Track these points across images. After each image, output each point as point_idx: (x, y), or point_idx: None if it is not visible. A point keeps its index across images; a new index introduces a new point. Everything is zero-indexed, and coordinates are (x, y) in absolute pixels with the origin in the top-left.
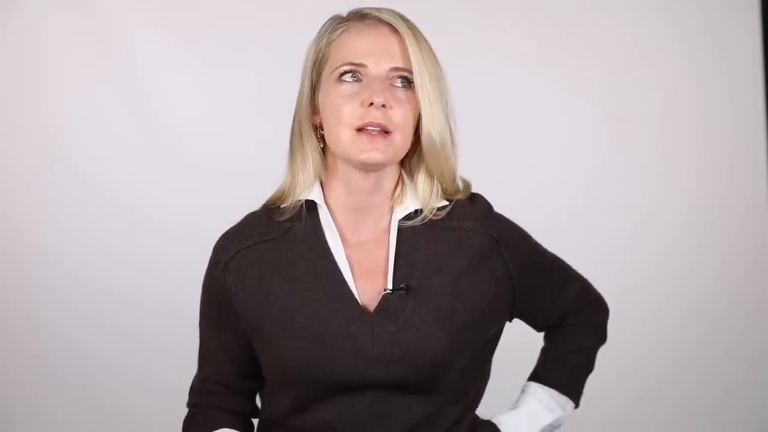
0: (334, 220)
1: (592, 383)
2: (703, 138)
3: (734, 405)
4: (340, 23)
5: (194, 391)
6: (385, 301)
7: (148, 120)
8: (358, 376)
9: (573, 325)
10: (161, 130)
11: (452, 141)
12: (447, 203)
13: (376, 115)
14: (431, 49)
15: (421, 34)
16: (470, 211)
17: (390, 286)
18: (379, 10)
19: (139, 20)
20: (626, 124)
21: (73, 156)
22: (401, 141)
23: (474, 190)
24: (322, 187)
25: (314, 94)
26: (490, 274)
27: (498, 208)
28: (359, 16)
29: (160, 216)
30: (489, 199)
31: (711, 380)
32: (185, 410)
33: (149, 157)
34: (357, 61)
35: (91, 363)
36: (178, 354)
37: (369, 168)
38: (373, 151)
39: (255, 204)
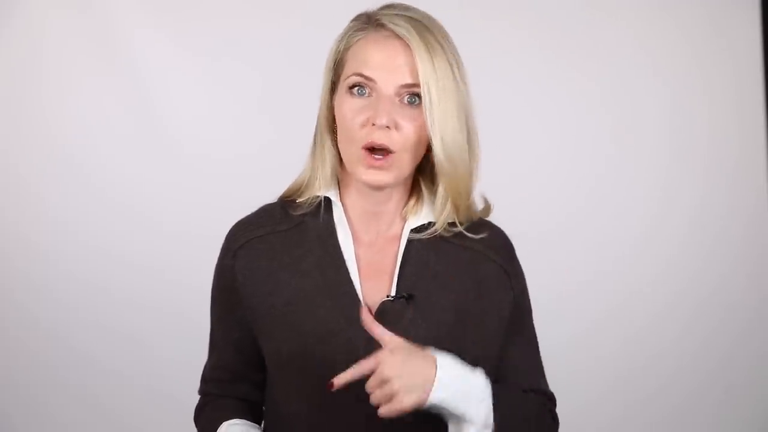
0: (348, 219)
1: (595, 383)
2: (708, 140)
3: (735, 405)
4: (359, 29)
5: (205, 378)
6: (384, 307)
7: (149, 120)
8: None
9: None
10: (163, 130)
11: (471, 158)
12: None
13: (379, 136)
14: (449, 62)
15: (440, 46)
16: (486, 235)
17: (393, 293)
18: (396, 20)
19: (141, 20)
20: (629, 127)
21: (74, 156)
22: (407, 160)
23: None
24: (339, 184)
25: (334, 93)
26: (495, 304)
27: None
28: (378, 25)
29: (161, 216)
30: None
31: (713, 381)
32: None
33: (151, 157)
34: (367, 74)
35: (90, 363)
36: (177, 354)
37: (373, 188)
38: (376, 173)
39: (258, 205)
